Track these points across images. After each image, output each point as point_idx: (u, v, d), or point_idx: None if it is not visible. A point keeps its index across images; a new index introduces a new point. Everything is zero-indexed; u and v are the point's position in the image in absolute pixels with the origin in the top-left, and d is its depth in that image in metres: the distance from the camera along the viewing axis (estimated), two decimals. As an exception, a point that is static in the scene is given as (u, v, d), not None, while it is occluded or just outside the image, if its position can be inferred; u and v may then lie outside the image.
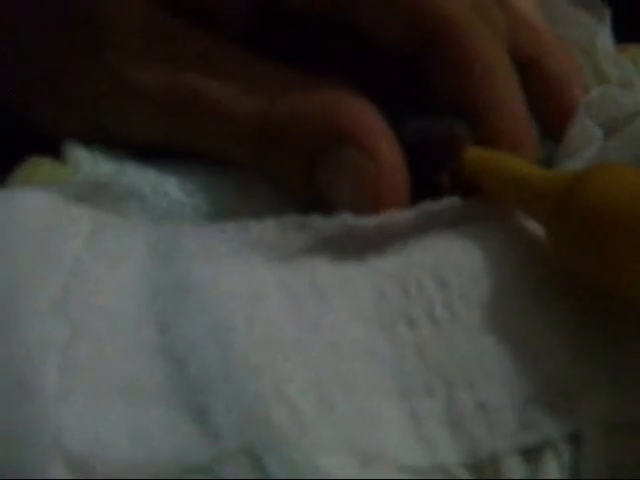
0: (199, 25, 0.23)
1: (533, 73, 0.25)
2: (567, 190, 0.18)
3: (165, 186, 0.22)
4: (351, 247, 0.19)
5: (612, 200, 0.17)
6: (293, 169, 0.21)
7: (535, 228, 0.20)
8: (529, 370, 0.17)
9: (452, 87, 0.22)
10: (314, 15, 0.23)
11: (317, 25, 0.24)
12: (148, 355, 0.16)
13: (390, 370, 0.17)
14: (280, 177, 0.22)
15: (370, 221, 0.19)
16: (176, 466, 0.15)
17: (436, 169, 0.22)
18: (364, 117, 0.21)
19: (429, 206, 0.20)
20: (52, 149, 0.23)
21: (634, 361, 0.17)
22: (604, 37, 0.28)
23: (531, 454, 0.17)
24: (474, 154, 0.21)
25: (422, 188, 0.21)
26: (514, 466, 0.16)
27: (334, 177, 0.21)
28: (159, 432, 0.15)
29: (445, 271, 0.19)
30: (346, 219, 0.19)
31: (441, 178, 0.22)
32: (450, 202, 0.20)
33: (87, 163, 0.22)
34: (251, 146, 0.22)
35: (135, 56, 0.22)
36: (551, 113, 0.26)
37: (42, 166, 0.22)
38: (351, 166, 0.20)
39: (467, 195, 0.21)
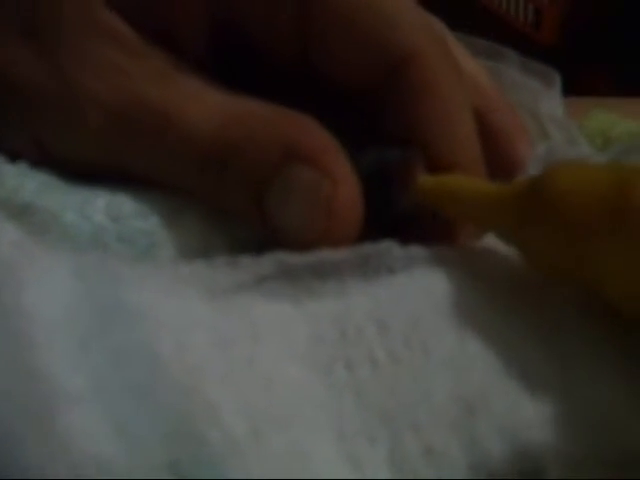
0: (160, 43, 0.22)
1: (480, 129, 0.25)
2: (532, 193, 0.18)
3: (89, 210, 0.21)
4: (285, 287, 0.19)
5: (576, 191, 0.17)
6: (242, 195, 0.21)
7: (477, 267, 0.20)
8: (477, 411, 0.17)
9: (409, 118, 0.22)
10: (275, 47, 0.23)
11: (277, 58, 0.24)
12: (69, 365, 0.15)
13: (326, 412, 0.17)
14: (227, 205, 0.22)
15: (306, 259, 0.19)
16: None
17: (390, 197, 0.22)
18: (318, 138, 0.21)
19: (368, 247, 0.20)
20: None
21: (588, 396, 0.17)
22: (551, 101, 0.28)
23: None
24: (429, 180, 0.21)
25: (377, 218, 0.21)
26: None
27: (284, 200, 0.20)
28: (78, 439, 0.14)
29: (385, 315, 0.19)
30: (280, 257, 0.19)
31: (396, 206, 0.22)
32: (389, 244, 0.20)
33: (12, 179, 0.21)
34: (199, 169, 0.21)
35: (89, 61, 0.22)
36: (497, 168, 0.25)
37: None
38: (303, 184, 0.20)
39: (423, 222, 0.21)
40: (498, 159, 0.26)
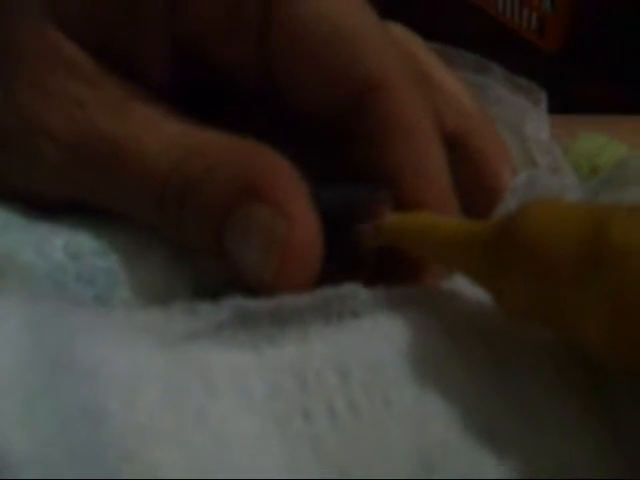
0: (120, 71, 0.22)
1: (459, 151, 0.25)
2: (503, 236, 0.18)
3: (49, 248, 0.21)
4: (244, 334, 0.19)
5: (551, 234, 0.17)
6: (200, 231, 0.21)
7: (443, 312, 0.20)
8: (436, 468, 0.17)
9: (375, 150, 0.22)
10: (239, 75, 0.23)
11: (240, 86, 0.24)
12: (10, 427, 0.15)
13: (282, 465, 0.17)
14: (187, 240, 0.21)
15: (265, 307, 0.19)
16: None
17: (354, 235, 0.21)
18: (278, 175, 0.20)
19: (330, 292, 0.19)
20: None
21: (555, 455, 0.17)
22: (537, 120, 0.28)
23: None
24: (395, 220, 0.21)
25: (340, 255, 0.21)
26: None
27: (241, 238, 0.20)
28: None
29: (347, 362, 0.18)
30: (238, 303, 0.19)
31: (360, 244, 0.21)
32: (354, 288, 0.20)
33: None
34: (157, 203, 0.21)
35: (44, 92, 0.22)
36: (475, 193, 0.25)
37: None
38: (259, 224, 0.20)
39: (388, 261, 0.21)
40: (478, 183, 0.26)
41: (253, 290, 0.20)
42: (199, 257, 0.22)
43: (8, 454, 0.15)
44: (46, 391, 0.16)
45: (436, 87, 0.28)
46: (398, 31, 0.29)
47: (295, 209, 0.20)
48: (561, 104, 0.35)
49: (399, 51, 0.23)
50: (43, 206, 0.22)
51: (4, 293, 0.20)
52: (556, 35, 1.21)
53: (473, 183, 0.27)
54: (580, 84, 1.09)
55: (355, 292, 0.19)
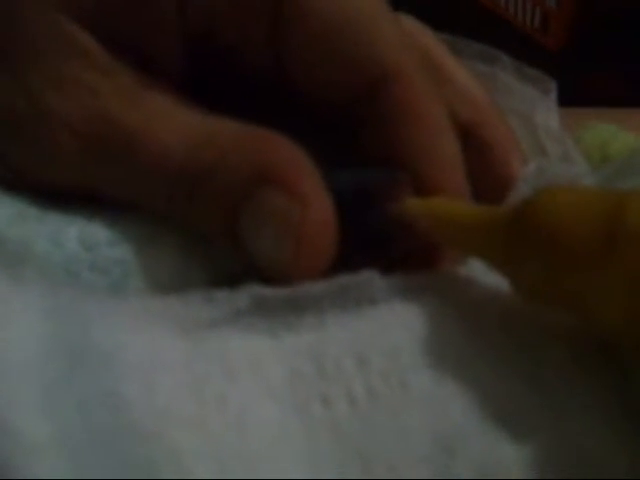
0: (132, 61, 0.22)
1: (470, 143, 0.25)
2: (520, 220, 0.18)
3: (62, 238, 0.21)
4: (262, 321, 0.19)
5: (568, 218, 0.17)
6: (214, 219, 0.21)
7: (460, 297, 0.20)
8: (454, 451, 0.17)
9: (390, 138, 0.22)
10: (251, 63, 0.23)
11: (253, 74, 0.24)
12: (33, 413, 0.15)
13: (302, 451, 0.17)
14: (200, 228, 0.22)
15: (283, 294, 0.19)
16: None
17: (373, 218, 0.22)
18: (292, 161, 0.20)
19: (348, 279, 0.20)
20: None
21: (572, 437, 0.17)
22: (547, 110, 0.28)
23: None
24: (417, 203, 0.21)
25: (354, 239, 0.21)
26: None
27: (256, 224, 0.20)
28: None
29: (364, 348, 0.18)
30: (255, 291, 0.19)
31: (378, 228, 0.22)
32: (370, 275, 0.20)
33: None
34: (171, 192, 0.21)
35: (57, 80, 0.22)
36: (487, 184, 0.25)
37: None
38: (274, 210, 0.20)
39: (404, 245, 0.21)
40: (489, 174, 0.26)
41: (267, 278, 0.20)
42: (212, 246, 0.22)
43: (31, 439, 0.15)
44: (66, 377, 0.16)
45: (448, 79, 0.28)
46: (410, 23, 0.29)
47: (309, 194, 0.20)
48: (565, 98, 0.35)
49: (412, 42, 0.23)
50: (57, 196, 0.22)
51: (23, 282, 0.20)
52: (560, 32, 1.21)
53: (484, 173, 0.27)
54: (584, 79, 1.08)
55: (372, 279, 0.20)
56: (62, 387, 0.16)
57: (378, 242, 0.21)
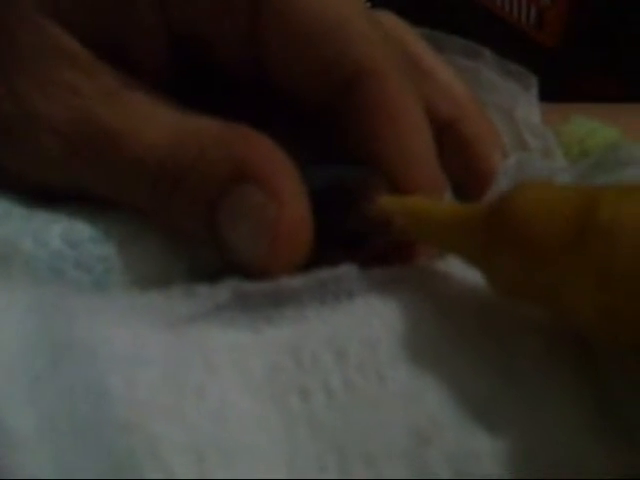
0: (114, 61, 0.23)
1: (450, 137, 0.25)
2: (495, 216, 0.18)
3: (47, 236, 0.21)
4: (242, 315, 0.19)
5: (540, 214, 0.17)
6: (193, 215, 0.21)
7: (436, 291, 0.20)
8: (428, 441, 0.17)
9: (365, 135, 0.23)
10: (230, 60, 0.24)
11: (232, 71, 0.24)
12: (18, 405, 0.16)
13: (279, 443, 0.17)
14: (180, 226, 0.22)
15: (263, 289, 0.19)
16: None
17: (348, 215, 0.22)
18: (269, 158, 0.21)
19: (326, 273, 0.20)
20: None
21: (546, 428, 0.17)
22: (528, 105, 0.28)
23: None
24: (391, 201, 0.22)
25: (330, 236, 0.21)
26: None
27: (233, 220, 0.21)
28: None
29: (342, 342, 0.19)
30: (236, 285, 0.19)
31: (353, 225, 0.22)
32: (348, 269, 0.20)
33: None
34: (151, 188, 0.22)
35: (41, 81, 0.22)
36: (467, 178, 0.25)
37: None
38: (251, 206, 0.20)
39: (379, 241, 0.21)
40: (470, 168, 0.26)
41: (246, 274, 0.20)
42: (193, 242, 0.23)
43: (18, 430, 0.15)
44: (51, 371, 0.16)
45: (427, 74, 0.28)
46: (388, 19, 0.29)
47: (285, 191, 0.20)
48: (560, 95, 0.35)
49: (388, 39, 0.23)
50: (43, 194, 0.23)
51: (9, 280, 0.20)
52: (555, 29, 1.21)
53: (465, 167, 0.27)
54: (579, 76, 1.08)
55: (350, 273, 0.20)
56: (46, 380, 0.16)
57: (354, 239, 0.22)
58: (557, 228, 0.17)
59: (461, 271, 0.21)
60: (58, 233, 0.22)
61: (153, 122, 0.22)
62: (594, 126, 0.30)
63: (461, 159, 0.27)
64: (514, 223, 0.18)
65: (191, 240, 0.22)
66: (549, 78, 0.33)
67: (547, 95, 0.33)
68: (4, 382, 0.16)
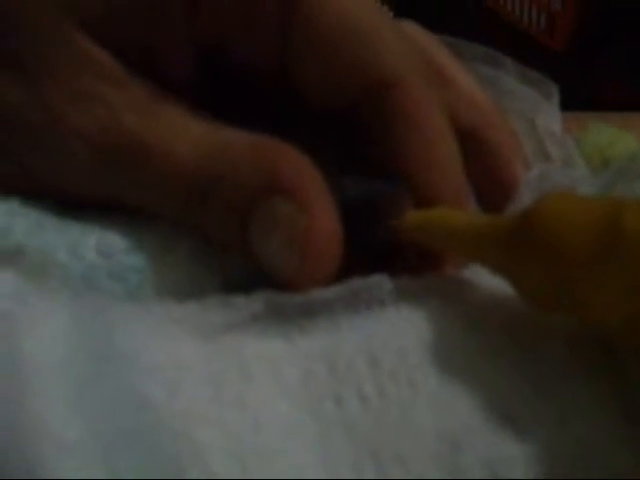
0: (142, 71, 0.23)
1: (472, 145, 0.26)
2: (522, 228, 0.19)
3: (82, 248, 0.22)
4: (276, 325, 0.20)
5: (567, 225, 0.18)
6: (225, 226, 0.22)
7: (464, 299, 0.21)
8: (460, 446, 0.18)
9: (391, 145, 0.23)
10: (258, 69, 0.24)
11: (257, 83, 0.25)
12: (64, 411, 0.16)
13: (316, 448, 0.18)
14: (213, 236, 0.23)
15: (296, 299, 0.20)
16: None
17: (375, 229, 0.22)
18: (299, 170, 0.21)
19: (358, 283, 0.21)
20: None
21: (575, 435, 0.18)
22: (549, 114, 0.28)
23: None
24: (416, 215, 0.22)
25: (359, 248, 0.22)
26: None
27: (264, 232, 0.21)
28: None
29: (375, 349, 0.19)
30: (270, 296, 0.20)
31: (381, 238, 0.22)
32: (380, 278, 0.21)
33: (2, 218, 0.22)
34: (184, 200, 0.22)
35: (72, 93, 0.23)
36: (490, 186, 0.26)
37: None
38: (280, 218, 0.21)
39: (407, 253, 0.22)
40: (492, 177, 0.27)
41: (279, 284, 0.21)
42: (226, 252, 0.23)
43: (63, 435, 0.16)
44: (93, 380, 0.17)
45: (449, 82, 0.28)
46: (412, 28, 0.29)
47: (316, 205, 0.21)
48: (571, 100, 0.35)
49: (413, 48, 0.24)
50: (75, 205, 0.23)
51: (49, 290, 0.21)
52: (565, 34, 1.21)
53: (487, 176, 0.28)
54: (589, 81, 1.09)
55: (381, 282, 0.21)
56: (90, 388, 0.17)
57: (382, 253, 0.22)
58: (584, 239, 0.18)
59: (488, 280, 0.21)
60: (92, 245, 0.22)
61: (184, 134, 0.22)
62: (613, 133, 0.30)
63: (483, 167, 0.28)
64: (541, 235, 0.18)
65: (224, 250, 0.23)
66: (560, 83, 0.33)
67: (560, 100, 0.33)
68: (49, 390, 0.17)
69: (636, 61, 1.08)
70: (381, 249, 0.22)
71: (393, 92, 0.23)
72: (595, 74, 1.12)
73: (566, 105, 0.34)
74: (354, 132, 0.24)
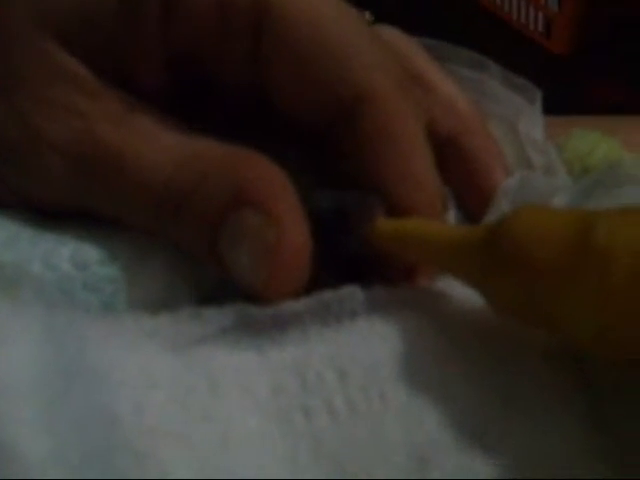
0: (116, 82, 0.23)
1: (452, 151, 0.26)
2: (493, 241, 0.19)
3: (56, 259, 0.22)
4: (247, 337, 0.20)
5: (536, 240, 0.18)
6: (196, 237, 0.22)
7: (436, 311, 0.21)
8: (429, 462, 0.18)
9: (365, 158, 0.23)
10: (232, 82, 0.24)
11: (231, 94, 0.24)
12: (32, 431, 0.16)
13: (284, 463, 0.18)
14: (185, 248, 0.23)
15: (267, 311, 0.20)
16: None
17: (347, 239, 0.22)
18: (269, 182, 0.21)
19: (329, 295, 0.21)
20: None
21: (546, 451, 0.18)
22: (531, 120, 0.28)
23: None
24: (388, 225, 0.22)
25: (331, 259, 0.22)
26: None
27: (234, 244, 0.21)
28: None
29: (345, 362, 0.19)
30: (241, 308, 0.20)
31: (353, 249, 0.22)
32: (352, 289, 0.21)
33: None
34: (156, 211, 0.22)
35: (46, 104, 0.23)
36: (469, 192, 0.26)
37: None
38: (250, 230, 0.21)
39: (378, 263, 0.22)
40: (471, 184, 0.27)
41: (250, 296, 0.21)
42: (199, 264, 0.23)
43: (31, 456, 0.16)
44: (63, 397, 0.17)
45: (429, 88, 0.28)
46: (390, 33, 0.29)
47: (285, 216, 0.21)
48: (569, 102, 0.35)
49: (389, 57, 0.24)
50: (50, 215, 0.23)
51: (21, 304, 0.20)
52: (563, 37, 1.21)
53: (466, 183, 0.28)
54: (587, 83, 1.09)
55: (352, 294, 0.21)
56: (59, 406, 0.17)
57: (353, 263, 0.22)
58: (554, 252, 0.18)
59: (461, 291, 0.21)
60: (66, 256, 0.22)
61: (156, 144, 0.22)
62: (594, 139, 0.30)
63: (463, 174, 0.28)
64: (512, 247, 0.19)
65: (197, 261, 0.23)
66: (558, 85, 0.33)
67: (557, 102, 0.33)
68: (18, 408, 0.17)
69: (633, 63, 1.08)
70: (353, 261, 0.22)
71: (367, 106, 0.23)
72: (593, 78, 1.12)
73: (564, 106, 0.33)
74: (328, 144, 0.24)
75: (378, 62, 0.23)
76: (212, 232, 0.21)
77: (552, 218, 0.18)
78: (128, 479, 0.16)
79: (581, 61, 1.18)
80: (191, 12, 0.22)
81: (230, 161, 0.22)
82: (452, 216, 0.28)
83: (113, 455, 0.16)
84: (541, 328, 0.19)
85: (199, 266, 0.23)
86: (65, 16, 0.23)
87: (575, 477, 0.18)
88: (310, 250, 0.21)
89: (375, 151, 0.23)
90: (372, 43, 0.23)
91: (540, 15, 1.26)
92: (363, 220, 0.22)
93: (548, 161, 0.29)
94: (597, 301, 0.17)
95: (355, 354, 0.19)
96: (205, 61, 0.23)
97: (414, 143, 0.23)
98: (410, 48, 0.30)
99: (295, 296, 0.20)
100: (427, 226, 0.21)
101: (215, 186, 0.21)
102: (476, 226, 0.20)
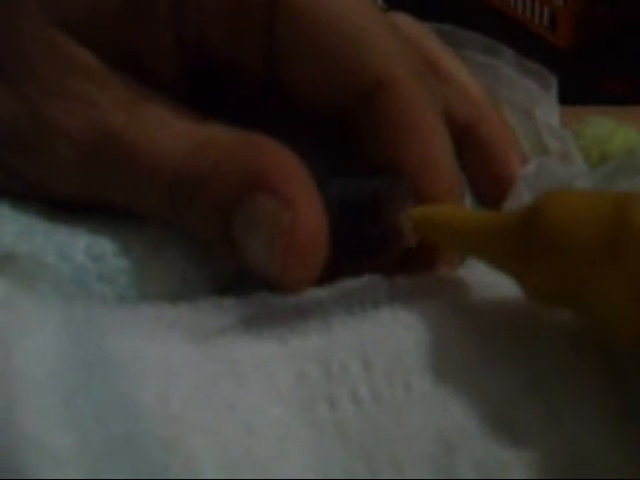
0: (126, 70, 0.23)
1: (468, 140, 0.25)
2: (526, 225, 0.19)
3: (70, 250, 0.22)
4: (269, 327, 0.20)
5: (572, 222, 0.18)
6: (209, 223, 0.22)
7: (461, 299, 0.21)
8: (455, 450, 0.18)
9: (384, 145, 0.23)
10: (245, 70, 0.24)
11: (247, 81, 0.24)
12: (55, 421, 0.16)
13: (309, 453, 0.18)
14: (199, 236, 0.22)
15: (289, 301, 0.20)
16: None
17: (373, 227, 0.22)
18: (283, 167, 0.21)
19: (351, 284, 0.21)
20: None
21: (571, 438, 0.18)
22: (547, 106, 0.28)
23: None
24: (418, 211, 0.22)
25: (353, 249, 0.21)
26: None
27: (248, 229, 0.21)
28: None
29: (369, 351, 0.19)
30: (263, 297, 0.20)
31: (378, 237, 0.22)
32: (373, 279, 0.21)
33: None
34: (169, 199, 0.22)
35: (57, 94, 0.22)
36: (486, 181, 0.25)
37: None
38: (263, 215, 0.20)
39: (398, 251, 0.21)
40: (488, 171, 0.27)
41: (267, 283, 0.21)
42: (214, 253, 0.23)
43: (55, 446, 0.16)
44: (84, 388, 0.17)
45: (444, 76, 0.28)
46: (404, 20, 0.29)
47: (300, 200, 0.21)
48: (574, 95, 0.35)
49: (406, 44, 0.23)
50: (63, 206, 0.23)
51: (39, 296, 0.20)
52: (568, 31, 1.21)
53: (483, 171, 0.28)
54: (593, 76, 1.08)
55: (375, 283, 0.21)
56: (80, 397, 0.17)
57: (373, 250, 0.21)
58: (591, 237, 0.18)
59: (482, 278, 0.21)
60: (81, 247, 0.22)
61: (169, 131, 0.22)
62: (611, 127, 0.30)
63: (479, 162, 0.27)
64: (547, 231, 0.18)
65: (212, 250, 0.23)
66: (563, 79, 0.33)
67: (562, 96, 0.32)
68: (40, 399, 0.17)
69: (638, 56, 1.07)
70: (375, 247, 0.22)
71: (386, 93, 0.23)
72: (598, 71, 1.11)
73: (569, 100, 0.33)
74: (346, 131, 0.24)
75: (396, 49, 0.23)
76: (226, 217, 0.21)
77: (587, 200, 0.18)
78: (153, 466, 0.16)
79: (586, 55, 1.18)
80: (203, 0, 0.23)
81: (243, 146, 0.22)
82: (467, 203, 0.28)
83: (138, 443, 0.16)
84: (574, 312, 0.19)
85: (217, 257, 0.23)
86: (74, 7, 0.23)
87: (598, 463, 0.18)
88: (326, 235, 0.21)
89: (395, 138, 0.23)
90: (388, 30, 0.23)
91: (545, 9, 1.26)
92: (396, 207, 0.22)
93: (565, 148, 0.28)
94: (633, 291, 0.17)
95: (379, 343, 0.19)
96: (217, 48, 0.23)
97: (434, 130, 0.23)
98: (423, 35, 0.29)
99: (312, 284, 0.20)
100: (458, 212, 0.21)
101: (229, 171, 0.21)
102: (507, 212, 0.20)
